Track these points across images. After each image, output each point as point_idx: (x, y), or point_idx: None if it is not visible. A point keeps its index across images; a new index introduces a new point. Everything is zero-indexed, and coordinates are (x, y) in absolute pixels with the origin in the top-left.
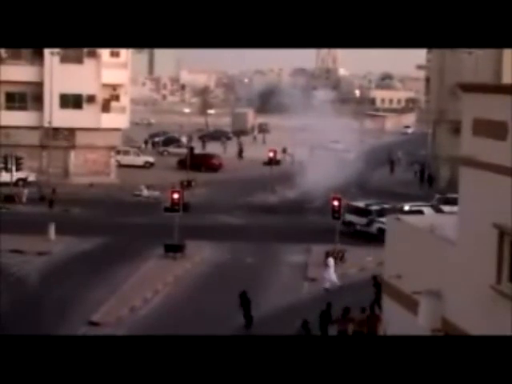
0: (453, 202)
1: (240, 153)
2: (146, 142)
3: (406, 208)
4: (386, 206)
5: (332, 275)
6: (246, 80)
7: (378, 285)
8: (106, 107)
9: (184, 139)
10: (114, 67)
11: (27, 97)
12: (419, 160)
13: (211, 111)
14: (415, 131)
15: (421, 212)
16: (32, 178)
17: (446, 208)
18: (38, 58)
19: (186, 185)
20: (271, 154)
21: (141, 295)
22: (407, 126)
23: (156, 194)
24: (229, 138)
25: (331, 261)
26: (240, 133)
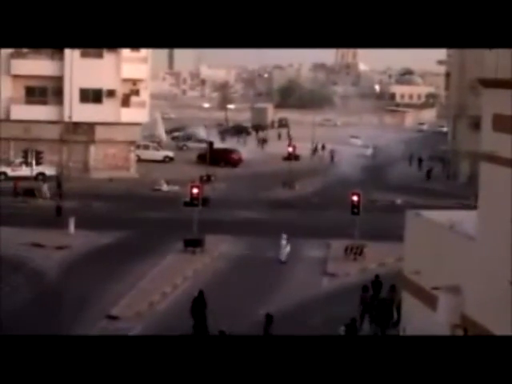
0: None
1: (263, 142)
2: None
3: None
4: None
5: (285, 250)
6: (265, 75)
7: (377, 283)
8: (125, 102)
9: (203, 134)
10: (134, 62)
11: (47, 91)
12: (433, 156)
13: (231, 106)
14: (429, 128)
15: None
16: (52, 172)
17: None
18: (59, 52)
19: (206, 179)
20: (290, 149)
21: (160, 290)
22: (422, 123)
23: (175, 188)
24: (248, 134)
25: (284, 238)
26: (259, 128)
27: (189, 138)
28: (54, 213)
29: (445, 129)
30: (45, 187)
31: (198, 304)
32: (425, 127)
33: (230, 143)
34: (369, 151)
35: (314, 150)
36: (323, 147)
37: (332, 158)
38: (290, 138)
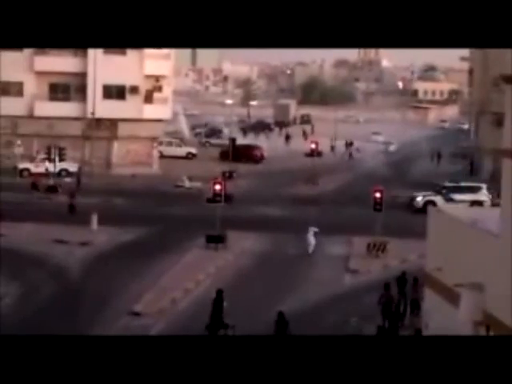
0: (463, 190)
1: (287, 138)
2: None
3: (419, 199)
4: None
5: (312, 241)
6: (288, 71)
7: (403, 280)
8: (148, 98)
9: (226, 130)
10: (157, 58)
11: (70, 88)
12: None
13: (253, 102)
14: (451, 125)
15: (433, 202)
16: (75, 168)
17: (456, 196)
18: (82, 49)
19: (228, 176)
20: (313, 146)
21: (182, 286)
22: (443, 120)
23: (198, 185)
24: (271, 130)
25: (312, 230)
26: (282, 124)
27: (211, 134)
28: (67, 210)
29: (465, 126)
30: (51, 181)
31: (217, 304)
32: (446, 125)
33: (253, 139)
34: (391, 147)
35: (333, 147)
36: (351, 144)
37: (350, 154)
38: (306, 134)
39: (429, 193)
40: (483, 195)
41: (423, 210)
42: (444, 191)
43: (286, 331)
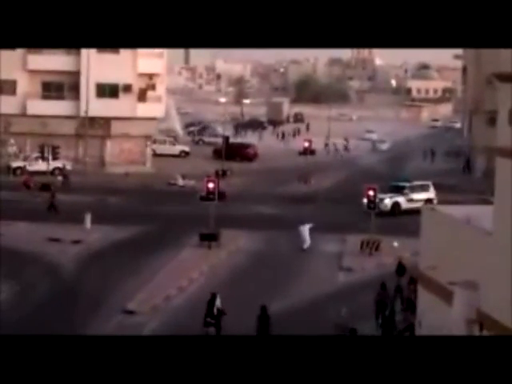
0: (417, 189)
1: (283, 136)
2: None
3: (387, 201)
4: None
5: (307, 237)
6: (281, 70)
7: (401, 268)
8: (142, 96)
9: (219, 128)
10: (150, 57)
11: (64, 86)
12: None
13: (246, 101)
14: (443, 124)
15: (398, 204)
16: (68, 166)
17: (414, 196)
18: (75, 48)
19: (221, 174)
20: (306, 144)
21: (176, 284)
22: (435, 119)
23: (191, 183)
24: (264, 128)
25: (307, 226)
26: (275, 122)
27: (204, 132)
28: (47, 209)
29: (457, 124)
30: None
31: (209, 306)
32: (438, 123)
33: (246, 138)
34: (384, 145)
35: (326, 145)
36: (346, 141)
37: (336, 149)
38: (299, 132)
39: (392, 194)
40: (432, 193)
41: (391, 213)
42: (406, 191)
43: (268, 326)
